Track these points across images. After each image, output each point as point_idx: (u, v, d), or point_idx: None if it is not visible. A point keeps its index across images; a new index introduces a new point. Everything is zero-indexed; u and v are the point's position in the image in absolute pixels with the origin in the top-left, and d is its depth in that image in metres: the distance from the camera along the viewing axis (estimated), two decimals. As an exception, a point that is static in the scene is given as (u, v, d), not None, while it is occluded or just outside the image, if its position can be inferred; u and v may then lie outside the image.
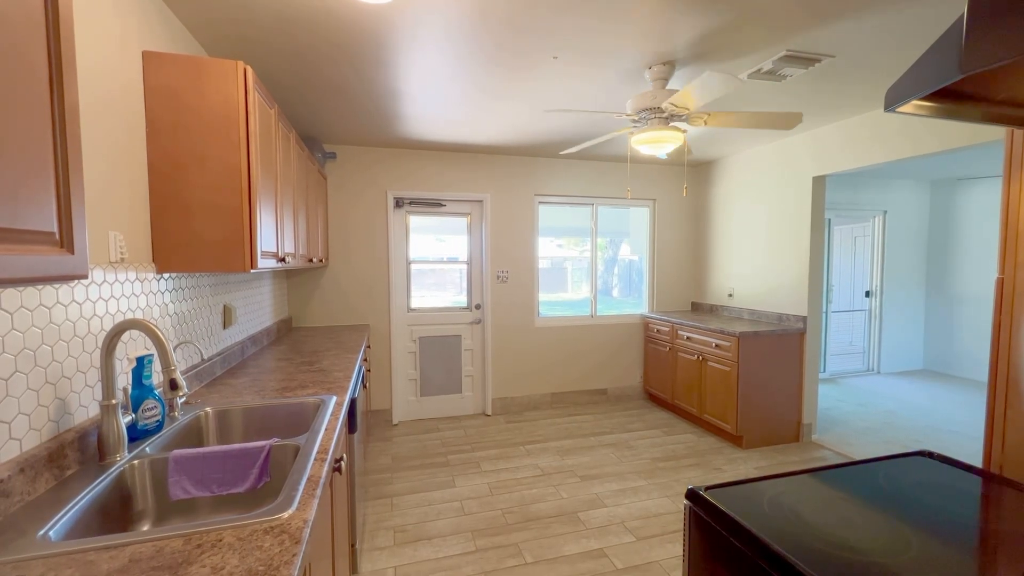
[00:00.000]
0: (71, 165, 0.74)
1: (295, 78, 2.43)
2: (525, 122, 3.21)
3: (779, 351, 3.53)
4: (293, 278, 3.83)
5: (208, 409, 1.63)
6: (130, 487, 1.18)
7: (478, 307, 4.29)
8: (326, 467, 1.17)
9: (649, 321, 4.57)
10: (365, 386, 2.92)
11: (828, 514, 1.05)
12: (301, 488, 1.04)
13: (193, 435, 1.54)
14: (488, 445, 3.58)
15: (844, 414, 4.25)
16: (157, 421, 1.37)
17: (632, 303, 4.96)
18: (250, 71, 1.65)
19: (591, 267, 4.62)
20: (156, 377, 1.53)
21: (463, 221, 4.27)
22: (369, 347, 3.84)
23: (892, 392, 4.96)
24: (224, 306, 2.29)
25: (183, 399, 1.68)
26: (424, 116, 3.08)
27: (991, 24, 0.83)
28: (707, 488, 1.16)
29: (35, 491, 1.00)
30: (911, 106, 1.10)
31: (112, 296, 1.36)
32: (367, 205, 3.94)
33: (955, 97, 1.11)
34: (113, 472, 1.13)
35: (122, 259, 1.41)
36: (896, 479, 1.22)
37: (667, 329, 4.27)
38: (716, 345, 3.65)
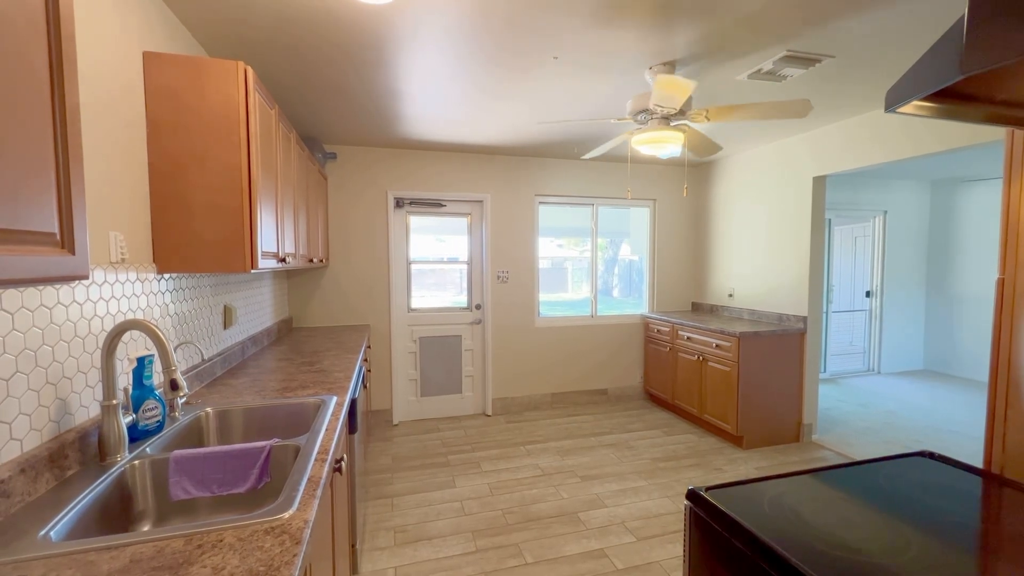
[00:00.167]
0: (72, 165, 0.74)
1: (295, 78, 2.44)
2: (525, 122, 3.21)
3: (779, 351, 3.53)
4: (293, 278, 3.83)
5: (209, 409, 1.63)
6: (131, 487, 1.18)
7: (478, 307, 4.29)
8: (326, 467, 1.17)
9: (649, 321, 4.57)
10: (365, 386, 2.92)
11: (828, 514, 1.05)
12: (301, 488, 1.04)
13: (194, 435, 1.54)
14: (488, 445, 3.58)
15: (844, 414, 4.25)
16: (158, 421, 1.38)
17: (632, 303, 4.96)
18: (250, 71, 1.65)
19: (591, 267, 4.62)
20: (157, 377, 1.53)
21: (463, 221, 4.27)
22: (369, 347, 3.84)
23: (892, 392, 4.96)
24: (224, 306, 2.29)
25: (184, 399, 1.68)
26: (424, 116, 3.08)
27: (992, 25, 0.83)
28: (707, 488, 1.16)
29: (36, 491, 1.00)
30: (911, 107, 1.10)
31: (113, 296, 1.36)
32: (367, 205, 3.94)
33: (955, 97, 1.11)
34: (114, 472, 1.13)
35: (123, 259, 1.41)
36: (896, 479, 1.22)
37: (667, 329, 4.27)
38: (716, 345, 3.65)
